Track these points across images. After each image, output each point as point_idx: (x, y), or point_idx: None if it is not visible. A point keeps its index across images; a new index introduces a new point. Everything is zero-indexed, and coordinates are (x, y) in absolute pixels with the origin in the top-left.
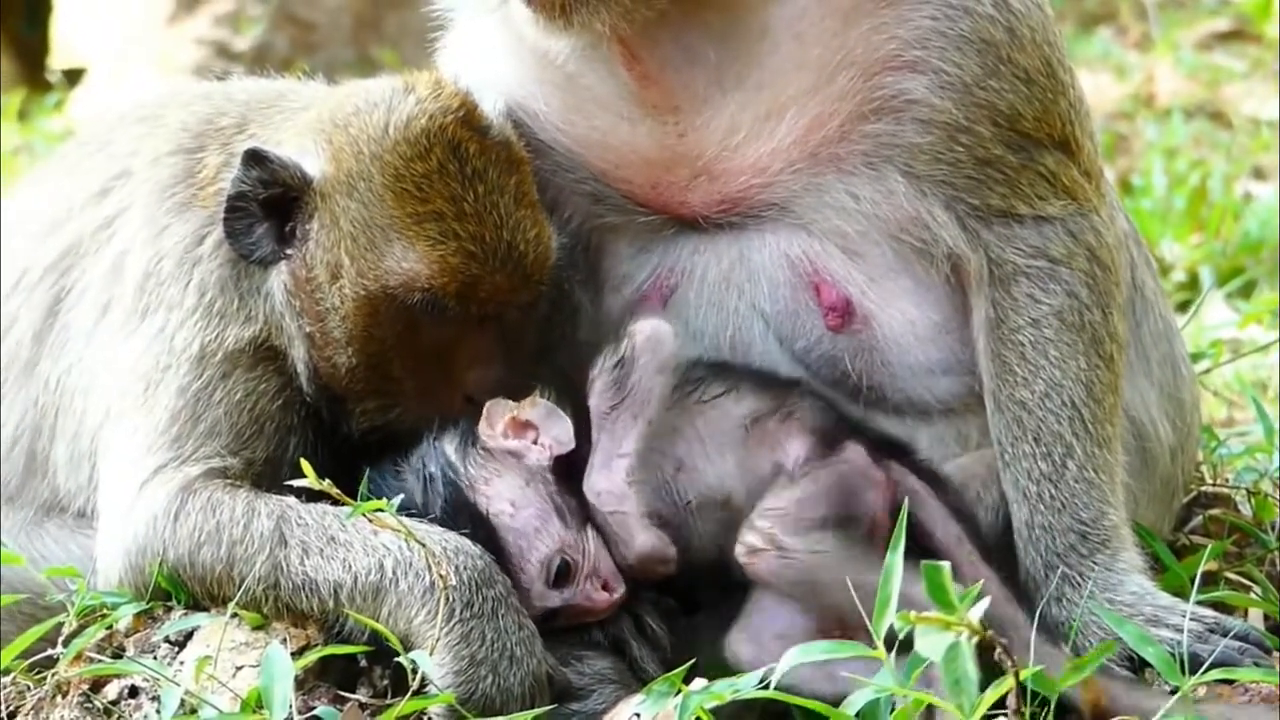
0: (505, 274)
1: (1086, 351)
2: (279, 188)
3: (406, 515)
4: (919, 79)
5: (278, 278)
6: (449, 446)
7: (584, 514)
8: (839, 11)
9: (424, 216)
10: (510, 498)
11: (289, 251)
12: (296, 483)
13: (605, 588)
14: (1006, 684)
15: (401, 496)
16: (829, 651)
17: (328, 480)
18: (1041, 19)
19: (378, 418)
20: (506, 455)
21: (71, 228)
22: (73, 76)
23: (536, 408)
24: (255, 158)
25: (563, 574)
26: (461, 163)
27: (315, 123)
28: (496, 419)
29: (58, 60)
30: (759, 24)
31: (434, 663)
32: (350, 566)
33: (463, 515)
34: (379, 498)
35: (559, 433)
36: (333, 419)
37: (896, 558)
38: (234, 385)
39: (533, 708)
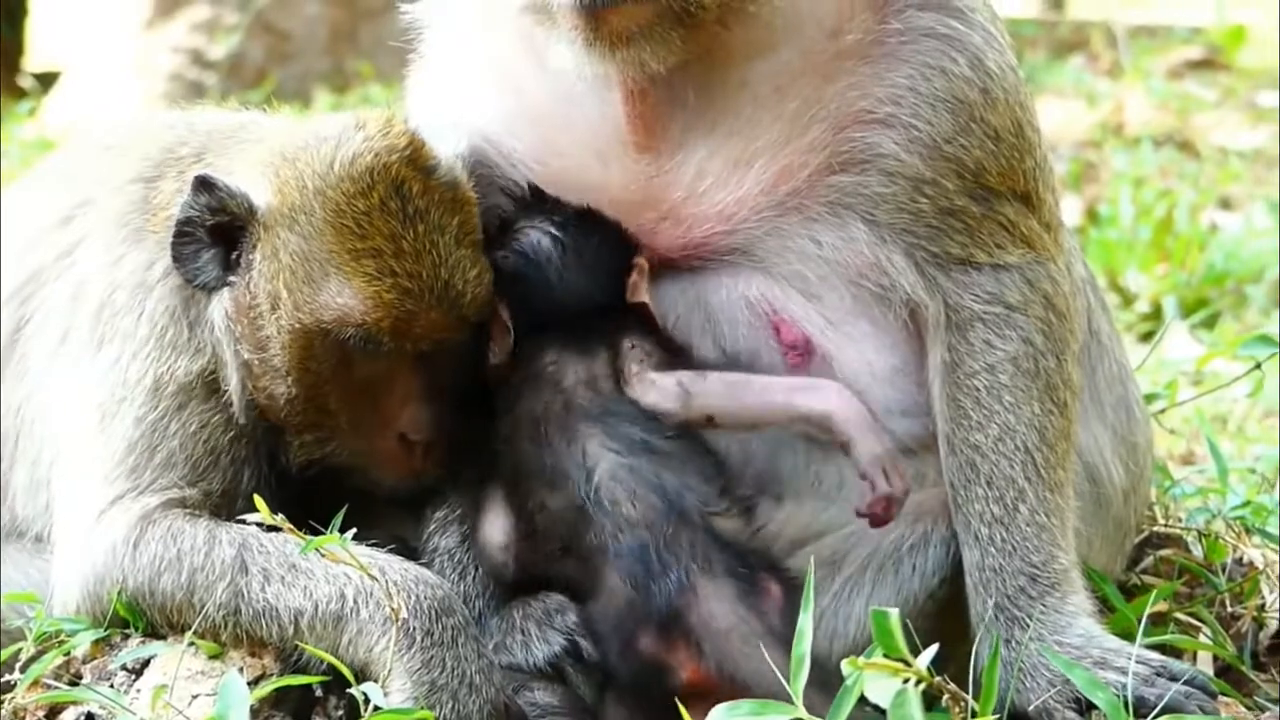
0: (441, 311)
1: (1040, 397)
2: (226, 215)
3: (367, 544)
4: (889, 134)
5: (219, 304)
6: None
7: None
8: (819, 68)
9: (362, 253)
10: None
11: (233, 279)
12: (250, 517)
13: None
14: None
15: (355, 530)
16: (754, 712)
17: (281, 515)
18: (1015, 81)
19: (315, 451)
20: None
21: (35, 255)
22: (47, 80)
23: None
24: (204, 184)
25: None
26: (404, 201)
27: (267, 155)
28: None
29: (32, 65)
30: (739, 75)
31: (394, 689)
32: (311, 594)
33: None
34: None
35: None
36: (270, 451)
37: (807, 618)
38: (189, 417)
39: None
